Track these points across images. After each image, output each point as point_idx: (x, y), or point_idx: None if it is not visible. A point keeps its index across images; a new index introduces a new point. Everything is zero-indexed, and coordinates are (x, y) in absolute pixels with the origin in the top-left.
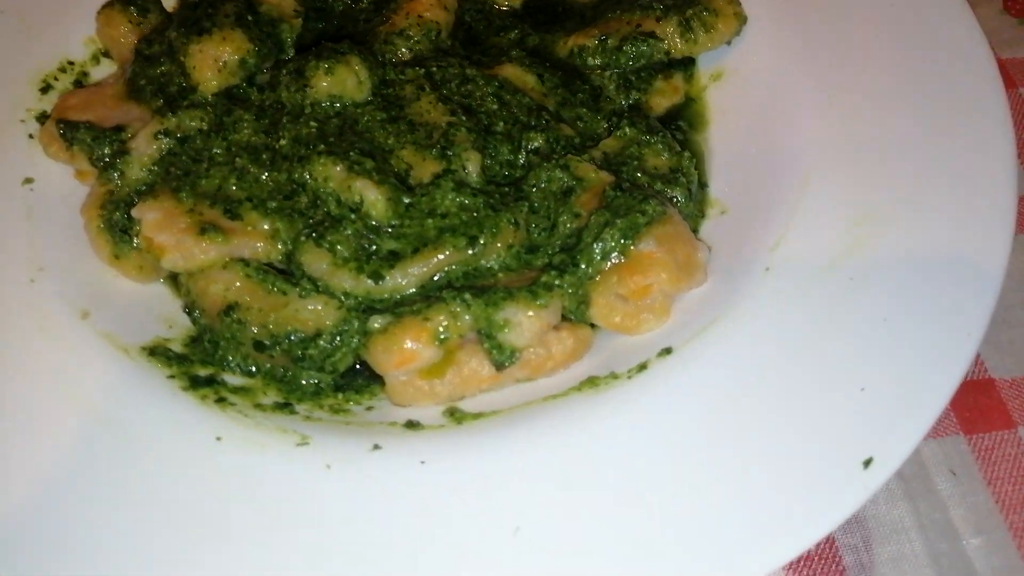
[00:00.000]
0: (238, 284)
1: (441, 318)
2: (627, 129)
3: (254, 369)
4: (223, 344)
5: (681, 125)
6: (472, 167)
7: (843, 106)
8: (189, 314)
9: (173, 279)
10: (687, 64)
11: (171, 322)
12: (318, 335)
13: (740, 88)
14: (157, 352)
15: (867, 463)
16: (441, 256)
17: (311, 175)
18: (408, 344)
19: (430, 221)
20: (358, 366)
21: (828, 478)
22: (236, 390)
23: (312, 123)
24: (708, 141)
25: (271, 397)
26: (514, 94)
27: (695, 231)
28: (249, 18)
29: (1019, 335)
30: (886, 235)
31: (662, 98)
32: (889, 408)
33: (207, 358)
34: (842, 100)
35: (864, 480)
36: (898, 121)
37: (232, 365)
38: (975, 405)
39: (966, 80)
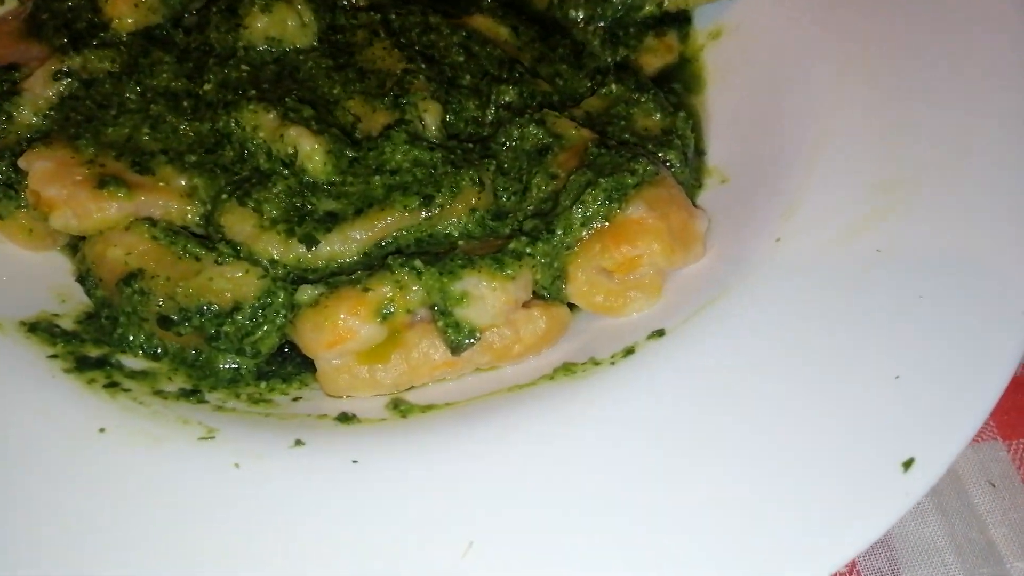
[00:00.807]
0: (142, 248)
1: (385, 289)
2: (613, 86)
3: (159, 350)
4: (123, 320)
5: (675, 87)
6: (430, 119)
7: (862, 58)
8: (83, 284)
9: (74, 248)
10: (682, 20)
11: (65, 296)
12: (236, 309)
13: (742, 46)
14: (39, 328)
15: (907, 465)
16: (389, 219)
17: (238, 123)
18: (343, 319)
19: (377, 179)
20: (287, 349)
21: (857, 484)
22: (133, 375)
23: (243, 66)
24: (705, 104)
25: (177, 383)
26: (483, 45)
27: (693, 202)
28: None
29: None
30: (918, 200)
31: (654, 57)
32: (931, 399)
33: (103, 337)
34: (861, 52)
35: (905, 485)
36: (928, 73)
37: (133, 345)
38: (1014, 406)
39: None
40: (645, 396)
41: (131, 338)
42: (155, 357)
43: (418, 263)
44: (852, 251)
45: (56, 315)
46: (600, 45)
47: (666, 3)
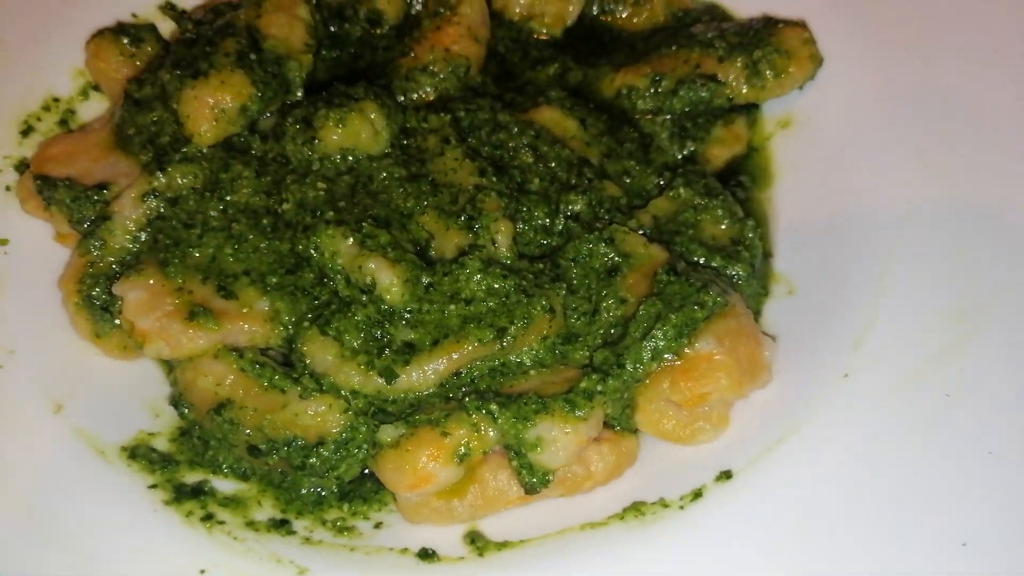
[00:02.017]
0: (231, 379)
1: (462, 432)
2: (682, 190)
3: (248, 472)
4: (214, 444)
5: (743, 180)
6: (502, 239)
7: (937, 165)
8: (176, 407)
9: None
10: (751, 108)
11: (158, 410)
12: (321, 443)
13: (812, 139)
14: (139, 454)
15: None
16: (465, 351)
17: (316, 248)
18: (423, 463)
19: (452, 307)
20: (366, 470)
21: None
22: (226, 502)
23: (320, 184)
24: (773, 201)
25: (266, 510)
26: (552, 145)
27: (758, 312)
28: (252, 57)
29: None
30: (992, 335)
31: (721, 148)
32: (1000, 568)
33: (196, 458)
34: (936, 157)
35: None
36: (1007, 184)
37: (224, 466)
38: None
39: None
40: (714, 547)
41: (221, 460)
42: (244, 478)
43: (494, 407)
44: (921, 395)
45: (152, 434)
46: (668, 138)
47: (736, 97)
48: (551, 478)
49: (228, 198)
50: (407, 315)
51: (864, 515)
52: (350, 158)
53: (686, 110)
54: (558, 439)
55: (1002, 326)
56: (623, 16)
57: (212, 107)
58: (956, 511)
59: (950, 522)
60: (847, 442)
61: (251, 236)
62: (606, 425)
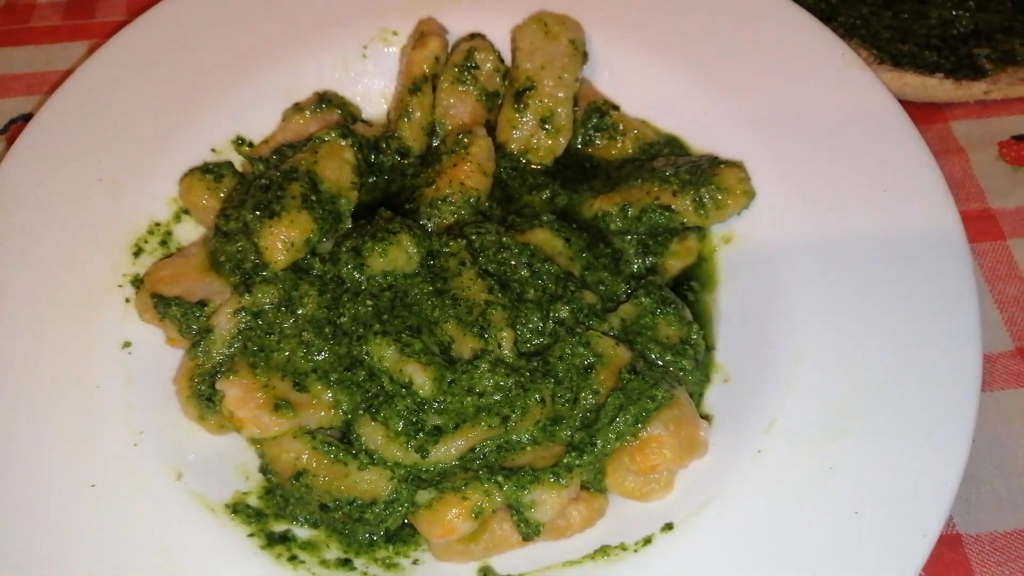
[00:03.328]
0: (306, 454)
1: (477, 496)
2: (643, 299)
3: (318, 523)
4: (293, 502)
5: (693, 285)
6: (506, 344)
7: (835, 285)
8: (263, 473)
9: None
10: (700, 228)
11: (248, 473)
12: (374, 503)
13: (746, 254)
14: (239, 509)
15: None
16: (478, 433)
17: (368, 354)
18: (449, 519)
19: (469, 399)
20: (406, 521)
21: None
22: (305, 545)
23: (368, 302)
24: (717, 302)
25: (333, 551)
26: (543, 262)
27: (701, 396)
28: (313, 198)
29: (987, 491)
30: (864, 422)
31: (676, 260)
32: None
33: (280, 511)
34: (834, 278)
35: None
36: (879, 303)
37: (300, 518)
38: (940, 559)
39: (940, 268)
40: None
41: (299, 513)
42: (315, 526)
43: (500, 478)
44: (811, 468)
45: (245, 493)
46: (634, 253)
47: (687, 222)
48: (542, 528)
49: (298, 312)
50: (436, 405)
51: (770, 558)
52: (390, 277)
53: (648, 230)
54: (547, 501)
55: (872, 417)
56: (601, 146)
57: (284, 240)
58: (832, 557)
59: (828, 565)
60: (758, 503)
61: (317, 342)
62: (582, 487)
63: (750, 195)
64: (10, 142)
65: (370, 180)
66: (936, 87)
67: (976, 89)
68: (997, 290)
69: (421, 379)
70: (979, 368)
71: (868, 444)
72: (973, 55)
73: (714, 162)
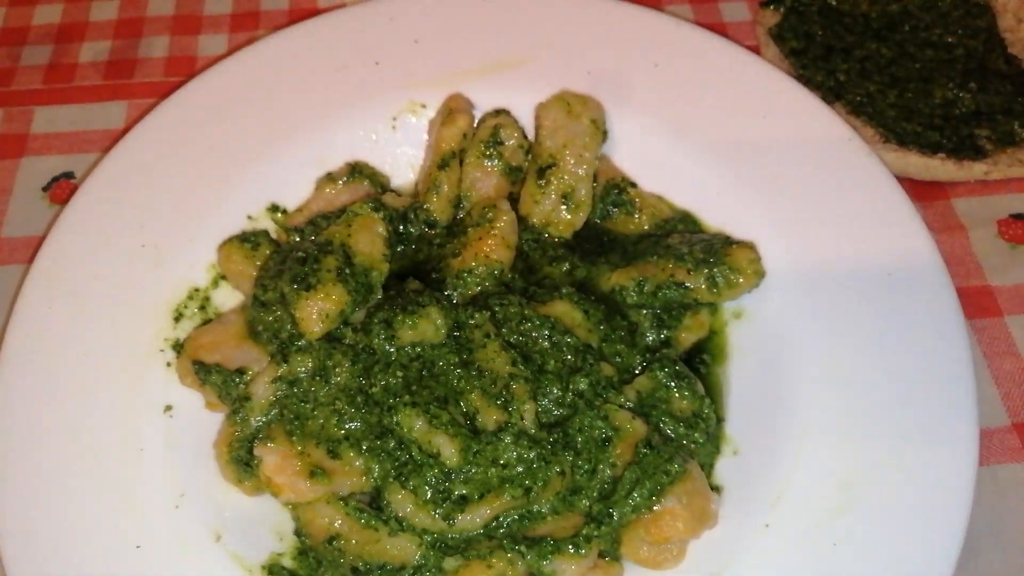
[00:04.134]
0: (339, 520)
1: (502, 565)
2: (658, 373)
3: None
4: (325, 564)
5: (705, 358)
6: (528, 417)
7: (839, 365)
8: (298, 536)
9: None
10: (712, 304)
11: (282, 534)
12: (403, 567)
13: (756, 330)
14: (274, 571)
15: None
16: (502, 503)
17: (398, 424)
18: None
19: (493, 470)
20: None
21: None
22: None
23: (399, 372)
24: (727, 375)
25: None
26: (563, 334)
27: (711, 467)
28: (347, 271)
29: (984, 563)
30: (869, 500)
31: (689, 333)
32: None
33: (312, 573)
34: (839, 358)
35: None
36: (881, 381)
37: None
38: None
39: (939, 351)
40: None
41: (330, 575)
42: None
43: (522, 548)
44: (816, 543)
45: (280, 554)
46: (649, 326)
47: (700, 299)
48: None
49: (332, 381)
50: (462, 474)
51: None
52: (419, 348)
53: (663, 306)
54: (567, 571)
55: (875, 495)
56: (618, 221)
57: (320, 312)
58: None
59: None
60: (764, 574)
61: (349, 411)
62: (600, 555)
63: (760, 275)
64: (52, 199)
65: (399, 249)
66: (938, 167)
67: (977, 170)
68: (995, 366)
69: (449, 450)
70: (976, 445)
71: (871, 520)
72: (974, 135)
73: (727, 242)
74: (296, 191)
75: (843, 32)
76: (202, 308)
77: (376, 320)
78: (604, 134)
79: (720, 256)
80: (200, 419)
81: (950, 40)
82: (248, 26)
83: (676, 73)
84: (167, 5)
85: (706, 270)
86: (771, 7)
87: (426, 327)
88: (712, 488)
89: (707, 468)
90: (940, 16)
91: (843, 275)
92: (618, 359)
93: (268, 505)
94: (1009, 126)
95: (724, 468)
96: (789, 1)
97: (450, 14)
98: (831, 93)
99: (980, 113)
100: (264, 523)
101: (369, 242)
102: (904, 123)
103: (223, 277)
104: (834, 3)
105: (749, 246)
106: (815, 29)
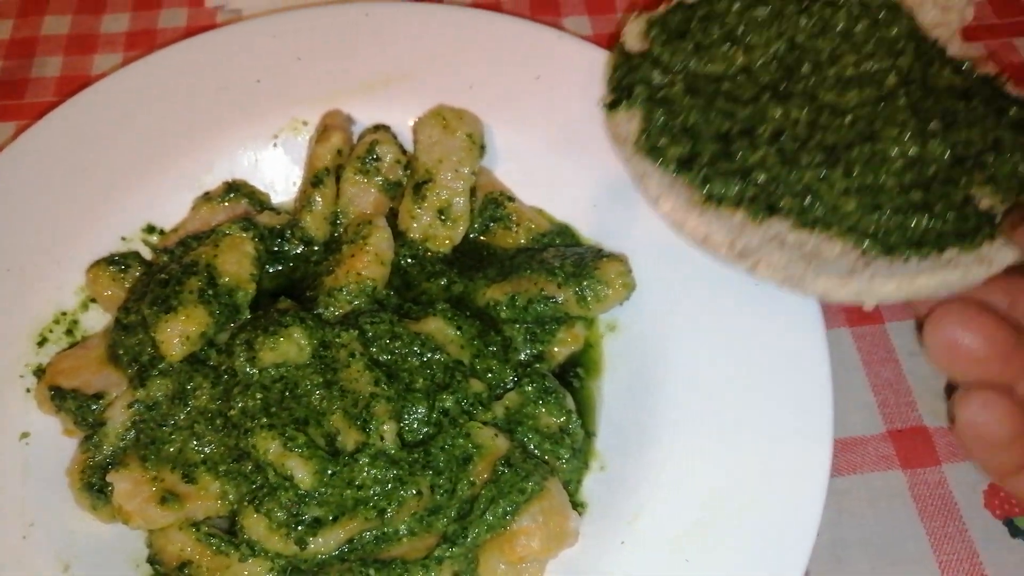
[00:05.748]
0: (190, 547)
1: None
2: (528, 388)
3: None
4: None
5: (579, 372)
6: (388, 437)
7: (705, 377)
8: (151, 564)
9: None
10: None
11: (138, 561)
12: None
13: (629, 343)
14: None
15: None
16: (355, 525)
17: (254, 447)
18: None
19: (348, 492)
20: None
21: None
22: None
23: (258, 395)
24: (601, 389)
25: None
26: (433, 352)
27: (579, 483)
28: (210, 292)
29: (851, 571)
30: (723, 519)
31: (563, 347)
32: None
33: None
34: (704, 371)
35: None
36: (743, 395)
37: None
38: None
39: (799, 362)
40: None
41: None
42: None
43: (372, 571)
44: (670, 559)
45: None
46: (522, 340)
47: (571, 313)
48: None
49: (191, 403)
50: (316, 497)
51: None
52: (282, 369)
53: (535, 319)
54: None
55: (730, 509)
56: (496, 235)
57: (180, 334)
58: None
59: None
60: None
61: (208, 434)
62: None
63: (630, 288)
64: None
65: (276, 268)
66: (957, 276)
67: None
68: (873, 373)
69: (301, 473)
70: (827, 461)
71: (724, 535)
72: (971, 197)
73: (599, 255)
74: (177, 211)
75: (730, 105)
76: (69, 332)
77: (238, 341)
78: (481, 148)
79: (590, 269)
80: (60, 446)
81: (871, 67)
82: (143, 44)
83: (558, 86)
84: (63, 24)
85: (575, 284)
86: (617, 108)
87: (288, 347)
88: (577, 505)
89: (574, 484)
90: (841, 39)
91: (714, 286)
92: (490, 375)
93: (124, 532)
94: (1007, 165)
95: (591, 484)
96: (642, 93)
97: (333, 31)
98: (758, 206)
99: (962, 160)
100: (121, 550)
101: (236, 262)
102: (873, 216)
103: (93, 300)
104: (699, 70)
105: (620, 259)
106: (692, 118)
